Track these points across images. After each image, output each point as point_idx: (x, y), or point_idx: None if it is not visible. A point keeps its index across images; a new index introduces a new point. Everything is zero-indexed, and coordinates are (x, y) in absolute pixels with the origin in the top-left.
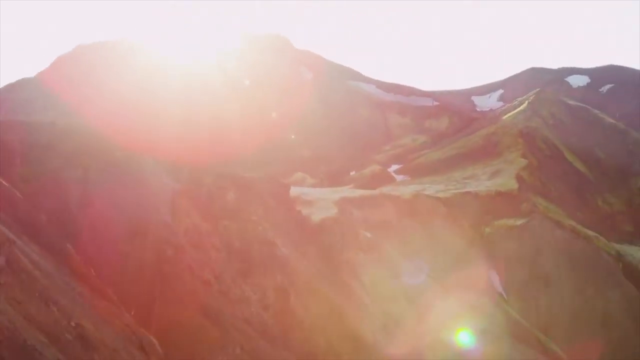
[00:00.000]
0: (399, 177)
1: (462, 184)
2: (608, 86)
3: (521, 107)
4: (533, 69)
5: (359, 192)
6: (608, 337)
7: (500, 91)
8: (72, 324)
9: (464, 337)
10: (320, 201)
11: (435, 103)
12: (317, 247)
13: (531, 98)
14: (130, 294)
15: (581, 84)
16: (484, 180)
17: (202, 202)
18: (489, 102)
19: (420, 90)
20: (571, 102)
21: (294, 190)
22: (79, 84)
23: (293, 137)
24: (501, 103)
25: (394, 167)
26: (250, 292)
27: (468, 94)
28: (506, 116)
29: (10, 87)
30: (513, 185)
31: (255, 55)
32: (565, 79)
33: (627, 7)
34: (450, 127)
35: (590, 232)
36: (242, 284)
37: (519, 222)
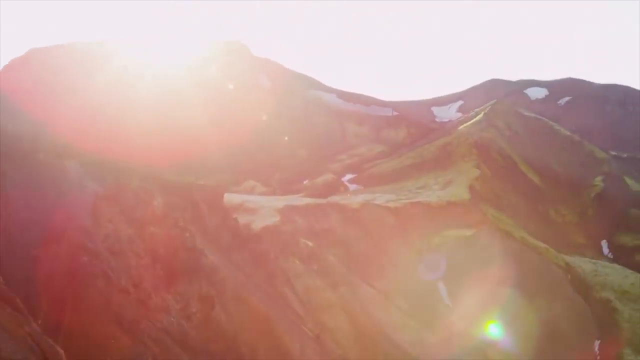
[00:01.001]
0: (352, 187)
1: (414, 193)
2: (566, 99)
3: (477, 118)
4: (493, 81)
5: (305, 201)
6: (554, 349)
7: (460, 102)
8: None
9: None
10: (263, 209)
11: (395, 113)
12: (251, 255)
13: (487, 109)
14: (39, 302)
15: (540, 96)
16: (436, 190)
17: (127, 207)
18: (448, 113)
19: (380, 100)
20: (527, 114)
21: (239, 198)
22: (32, 88)
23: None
24: (460, 114)
25: (348, 176)
26: (173, 301)
27: (428, 104)
28: (462, 127)
29: None
30: (465, 195)
31: (214, 62)
32: (524, 91)
33: (585, 21)
34: (408, 137)
35: (540, 244)
36: (163, 293)
37: (469, 232)
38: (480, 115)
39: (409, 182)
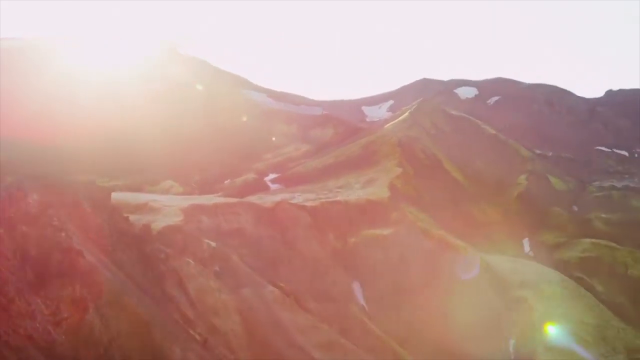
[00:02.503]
0: (273, 186)
1: (334, 192)
2: (495, 98)
3: (402, 117)
4: (424, 80)
5: (215, 200)
6: (468, 349)
7: (391, 102)
8: None
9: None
10: (167, 208)
11: (324, 112)
12: (139, 256)
13: (413, 108)
14: None
15: (469, 96)
16: (357, 189)
17: None
18: (379, 113)
19: (310, 100)
20: (454, 113)
21: (145, 197)
22: None
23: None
24: (391, 113)
25: (272, 175)
26: (42, 305)
27: (359, 104)
28: (387, 125)
29: None
30: (385, 194)
31: (143, 61)
32: (455, 91)
33: (515, 23)
34: (336, 137)
35: (459, 242)
36: (31, 297)
37: (386, 231)
38: (406, 114)
39: (331, 182)
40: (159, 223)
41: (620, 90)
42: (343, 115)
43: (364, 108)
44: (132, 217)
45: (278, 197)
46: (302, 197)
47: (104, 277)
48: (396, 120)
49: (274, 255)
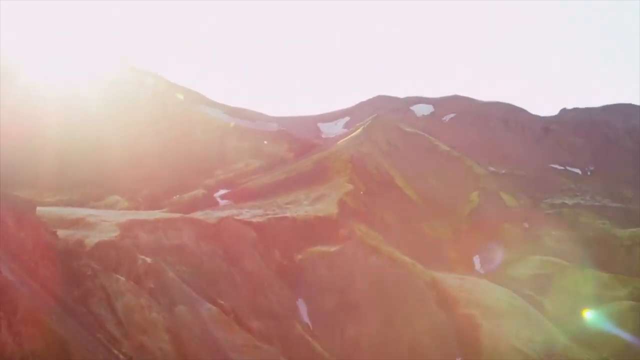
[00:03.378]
0: (223, 202)
1: (283, 208)
2: (450, 115)
3: (355, 133)
4: (380, 97)
5: (157, 215)
6: None
7: (347, 118)
8: None
9: None
10: (104, 224)
11: (279, 128)
12: (64, 272)
13: (366, 124)
14: None
15: (425, 113)
16: (306, 205)
17: None
18: (335, 129)
19: (266, 116)
20: (407, 129)
21: (82, 212)
22: None
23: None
24: (346, 130)
25: (222, 191)
26: None
27: (315, 120)
28: (340, 142)
29: None
30: (333, 210)
31: (95, 76)
32: (411, 108)
33: (471, 41)
34: (289, 153)
35: (407, 259)
36: None
37: (333, 248)
38: (359, 131)
39: (280, 198)
40: (93, 238)
41: (575, 109)
42: (299, 131)
43: (319, 124)
44: (65, 233)
45: (224, 213)
46: (250, 213)
47: (20, 294)
48: (349, 137)
49: (216, 272)
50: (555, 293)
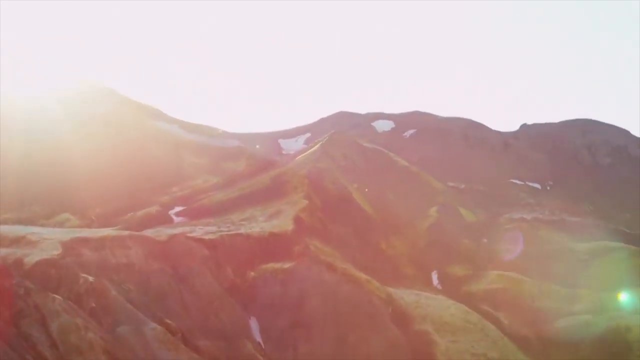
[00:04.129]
0: (177, 219)
1: (237, 225)
2: (411, 131)
3: (313, 149)
4: (341, 113)
5: (104, 233)
6: None
7: (308, 134)
8: None
9: None
10: (46, 242)
11: (239, 145)
12: None
13: (324, 140)
14: None
15: (386, 129)
16: (261, 222)
17: None
18: (295, 145)
19: (225, 132)
20: (366, 145)
21: (23, 230)
22: None
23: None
24: (307, 146)
25: (177, 208)
26: None
27: (275, 136)
28: (298, 157)
29: None
30: (288, 226)
31: (48, 92)
32: (372, 124)
33: (433, 57)
34: (248, 169)
35: (363, 276)
36: None
37: (287, 265)
38: (317, 146)
39: (236, 214)
40: (33, 257)
41: (534, 124)
42: (259, 147)
43: (280, 141)
44: (5, 251)
45: (176, 230)
46: (203, 230)
47: None
48: (307, 152)
49: (164, 290)
50: (512, 308)
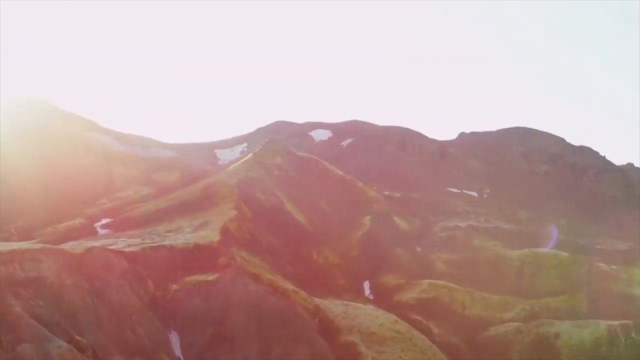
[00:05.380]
0: (103, 231)
1: (162, 237)
2: (349, 140)
3: (245, 158)
4: (279, 123)
5: (14, 246)
6: None
7: (245, 144)
8: None
9: None
10: None
11: (173, 156)
12: None
13: (257, 149)
14: None
15: (324, 138)
16: (188, 233)
17: None
18: (231, 155)
19: (161, 143)
20: (301, 154)
21: None
22: None
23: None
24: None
25: (104, 221)
26: None
27: (212, 147)
28: (230, 167)
29: None
30: (214, 237)
31: None
32: (310, 133)
33: (370, 66)
34: (181, 180)
35: (290, 287)
36: None
37: (210, 277)
38: (249, 156)
39: (162, 225)
40: None
41: (473, 133)
42: (195, 158)
43: (217, 151)
44: None
45: (97, 243)
46: (126, 242)
47: None
48: (239, 162)
49: (77, 305)
50: (443, 317)
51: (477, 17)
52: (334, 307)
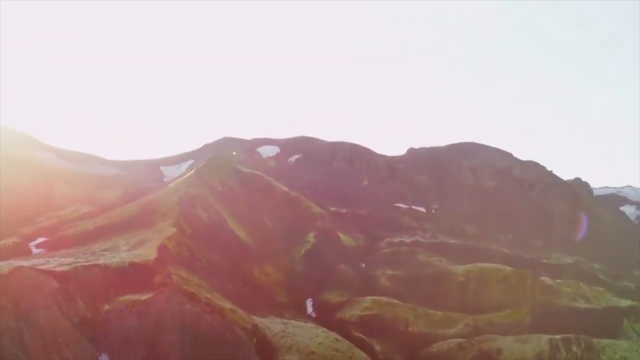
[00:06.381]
0: (37, 251)
1: (97, 255)
2: (296, 156)
3: (188, 174)
4: (226, 139)
5: None
6: None
7: (191, 161)
8: None
9: None
10: None
11: (117, 173)
12: None
13: (200, 165)
14: None
15: (271, 154)
16: (124, 251)
17: None
18: (178, 172)
19: (105, 160)
20: (244, 170)
21: None
22: None
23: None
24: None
25: (39, 240)
26: None
27: (158, 164)
28: (171, 184)
29: None
30: (151, 255)
31: None
32: (257, 149)
33: (319, 83)
34: (124, 198)
35: (228, 305)
36: None
37: (145, 297)
38: (192, 172)
39: (98, 244)
40: None
41: (422, 148)
42: (140, 175)
43: (162, 168)
44: None
45: (27, 262)
46: (58, 261)
47: None
48: (181, 179)
49: (0, 328)
50: (385, 334)
51: (423, 29)
52: (273, 325)
